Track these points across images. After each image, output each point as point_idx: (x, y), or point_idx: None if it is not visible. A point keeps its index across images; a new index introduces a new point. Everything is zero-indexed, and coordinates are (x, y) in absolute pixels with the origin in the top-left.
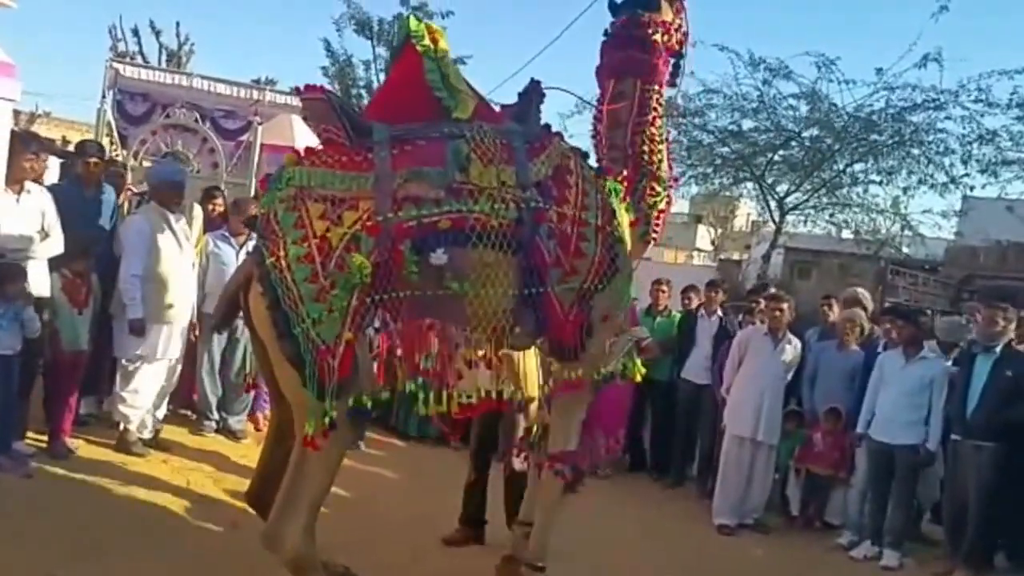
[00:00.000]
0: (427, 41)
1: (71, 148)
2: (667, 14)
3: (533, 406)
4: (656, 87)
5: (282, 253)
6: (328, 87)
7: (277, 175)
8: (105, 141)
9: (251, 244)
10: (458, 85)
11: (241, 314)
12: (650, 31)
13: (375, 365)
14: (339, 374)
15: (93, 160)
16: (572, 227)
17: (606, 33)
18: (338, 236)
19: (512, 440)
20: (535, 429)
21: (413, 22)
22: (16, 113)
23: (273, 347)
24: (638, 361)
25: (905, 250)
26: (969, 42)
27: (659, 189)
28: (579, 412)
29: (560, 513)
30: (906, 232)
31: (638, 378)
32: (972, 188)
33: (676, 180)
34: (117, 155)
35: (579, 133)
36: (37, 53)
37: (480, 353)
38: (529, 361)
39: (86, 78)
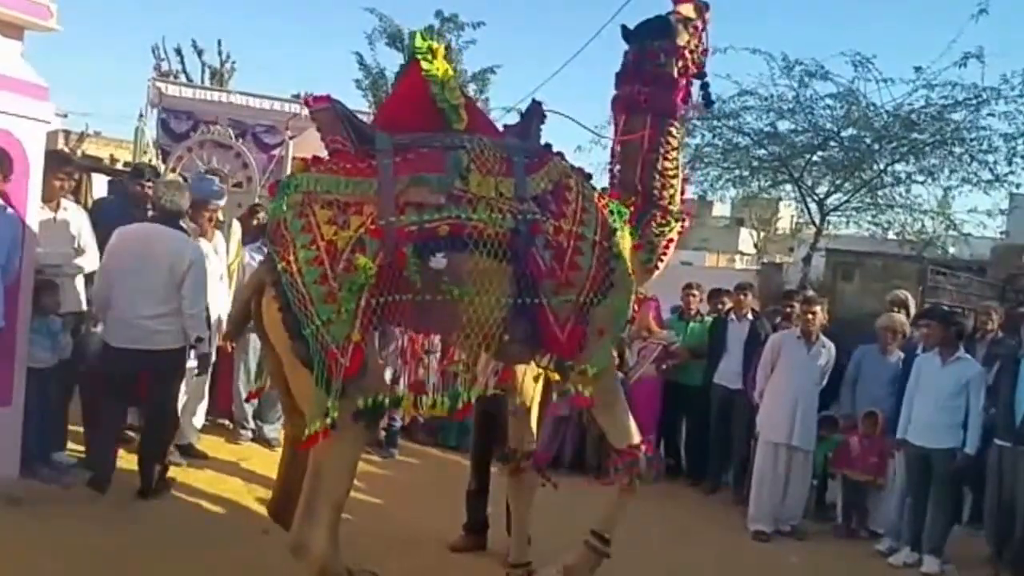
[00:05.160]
0: (431, 57)
1: (119, 166)
2: (682, 37)
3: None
4: (670, 121)
5: (292, 257)
6: (359, 99)
7: (286, 182)
8: (144, 159)
9: None
10: (455, 100)
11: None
12: (663, 63)
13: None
14: (347, 373)
15: (149, 184)
16: (568, 240)
17: (622, 62)
18: (345, 239)
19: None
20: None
21: (419, 39)
22: (67, 133)
23: (285, 350)
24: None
25: (951, 250)
26: (1012, 36)
27: (669, 220)
28: (621, 408)
29: (632, 500)
30: (951, 232)
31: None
32: (1018, 186)
33: (688, 214)
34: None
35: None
36: (88, 75)
37: (471, 359)
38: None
39: (134, 98)
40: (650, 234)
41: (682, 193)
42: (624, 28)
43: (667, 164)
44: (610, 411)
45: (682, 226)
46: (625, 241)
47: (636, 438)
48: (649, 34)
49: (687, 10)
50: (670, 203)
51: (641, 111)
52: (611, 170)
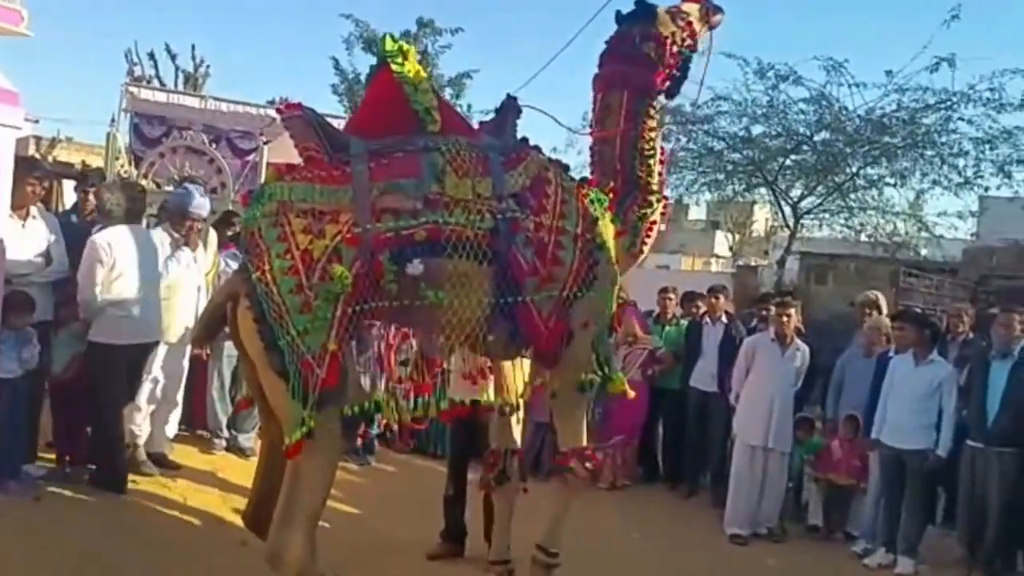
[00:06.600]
0: (401, 59)
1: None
2: (665, 27)
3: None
4: (646, 100)
5: (267, 267)
6: (336, 104)
7: (259, 191)
8: (116, 164)
9: None
10: (428, 102)
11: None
12: (639, 45)
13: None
14: (324, 384)
15: (91, 190)
16: (549, 235)
17: (605, 45)
18: (320, 248)
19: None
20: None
21: (389, 42)
22: (37, 139)
23: (260, 359)
24: (620, 375)
25: (923, 252)
26: (981, 42)
27: (651, 200)
28: (580, 412)
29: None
30: (922, 234)
31: (620, 389)
32: (987, 189)
33: (667, 198)
34: (126, 174)
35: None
36: (59, 80)
37: (454, 361)
38: (515, 373)
39: (106, 103)
40: (632, 218)
41: (661, 174)
42: (617, 13)
43: (645, 143)
44: (569, 413)
45: (663, 207)
46: (607, 229)
47: (583, 443)
48: (632, 19)
49: (688, 7)
50: (649, 182)
51: (617, 88)
52: (591, 149)
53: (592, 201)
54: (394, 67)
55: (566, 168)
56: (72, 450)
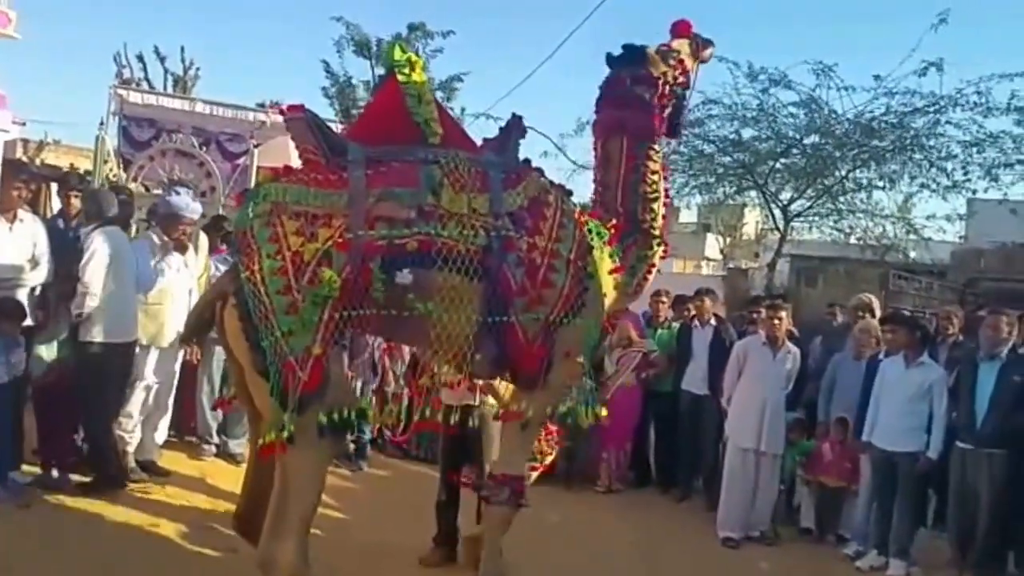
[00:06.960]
0: (408, 71)
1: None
2: (656, 67)
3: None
4: (646, 144)
5: (257, 267)
6: (326, 107)
7: (254, 191)
8: (105, 167)
9: None
10: (430, 114)
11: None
12: (633, 89)
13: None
14: (306, 388)
15: (73, 193)
16: (543, 257)
17: (599, 90)
18: (311, 251)
19: (481, 458)
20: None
21: (397, 52)
22: (25, 142)
23: (245, 359)
24: (593, 407)
25: (912, 255)
26: (968, 47)
27: (651, 243)
28: (531, 439)
29: (504, 532)
30: (911, 237)
31: (585, 423)
32: (974, 192)
33: (667, 246)
34: (115, 177)
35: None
36: (46, 83)
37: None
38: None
39: (95, 106)
40: (632, 258)
41: (664, 217)
42: (608, 55)
43: (647, 187)
44: (526, 440)
45: (664, 250)
46: (603, 262)
47: (517, 471)
48: (621, 62)
49: (678, 44)
50: (652, 226)
51: (616, 135)
52: (594, 191)
53: (591, 231)
54: (400, 77)
55: (569, 193)
56: (58, 456)
